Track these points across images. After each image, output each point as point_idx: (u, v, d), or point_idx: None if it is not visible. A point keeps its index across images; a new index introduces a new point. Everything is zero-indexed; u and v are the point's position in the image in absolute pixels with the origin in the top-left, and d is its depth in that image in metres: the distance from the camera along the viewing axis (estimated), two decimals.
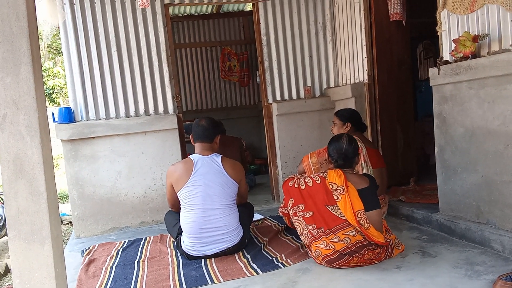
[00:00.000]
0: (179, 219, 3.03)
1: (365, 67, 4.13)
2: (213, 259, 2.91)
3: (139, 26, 4.07)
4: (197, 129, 3.07)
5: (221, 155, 3.05)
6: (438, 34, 3.13)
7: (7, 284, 3.87)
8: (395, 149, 4.27)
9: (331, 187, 2.63)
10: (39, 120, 1.68)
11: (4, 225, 4.96)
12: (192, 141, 3.13)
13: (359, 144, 3.13)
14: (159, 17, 4.10)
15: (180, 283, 2.57)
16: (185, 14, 6.84)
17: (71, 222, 5.16)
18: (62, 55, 4.12)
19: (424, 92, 6.08)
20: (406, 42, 4.33)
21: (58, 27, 4.02)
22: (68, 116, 3.89)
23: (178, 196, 2.97)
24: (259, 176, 6.02)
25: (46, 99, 13.48)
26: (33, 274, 1.71)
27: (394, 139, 4.27)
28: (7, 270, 4.27)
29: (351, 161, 2.75)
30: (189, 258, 2.96)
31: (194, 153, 3.06)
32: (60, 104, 13.36)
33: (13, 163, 1.68)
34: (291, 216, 2.81)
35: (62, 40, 3.98)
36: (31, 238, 1.70)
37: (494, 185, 2.72)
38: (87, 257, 3.22)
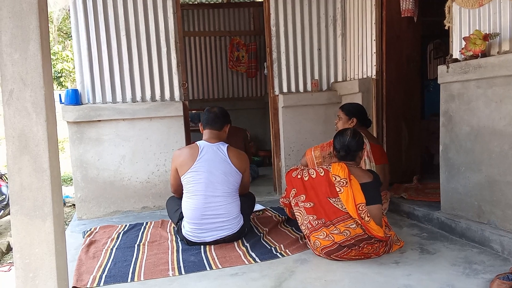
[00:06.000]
0: (180, 205, 3.05)
1: (374, 63, 4.11)
2: (212, 246, 2.92)
3: (149, 11, 4.07)
4: (208, 116, 3.09)
5: (227, 144, 3.06)
6: (446, 27, 3.10)
7: (8, 261, 3.92)
8: (399, 146, 4.25)
9: (334, 179, 2.63)
10: (45, 97, 1.69)
11: (8, 204, 5.00)
12: (201, 129, 3.14)
13: (364, 140, 3.12)
14: (169, 3, 4.10)
15: (179, 268, 2.59)
16: (196, 2, 6.83)
17: (74, 205, 5.20)
18: (72, 39, 4.13)
19: (432, 91, 6.06)
20: (416, 39, 4.30)
21: (69, 10, 4.03)
22: (75, 98, 3.91)
23: (181, 180, 2.99)
24: (262, 168, 6.03)
25: (54, 82, 13.54)
26: (34, 249, 1.73)
27: (399, 136, 4.25)
28: (9, 248, 4.32)
29: (353, 154, 2.76)
30: (188, 244, 2.98)
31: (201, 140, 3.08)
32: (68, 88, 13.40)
33: (18, 139, 1.69)
34: (292, 206, 2.82)
35: (71, 22, 3.98)
36: (33, 214, 1.72)
37: (497, 185, 2.71)
38: (88, 238, 3.25)
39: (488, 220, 2.78)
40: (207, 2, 6.84)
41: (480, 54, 2.75)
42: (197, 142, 3.05)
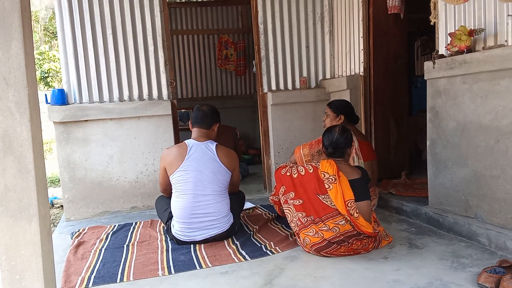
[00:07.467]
0: (170, 204, 3.03)
1: (361, 60, 4.12)
2: (202, 245, 2.91)
3: (135, 10, 4.03)
4: (197, 114, 3.07)
5: (216, 143, 3.05)
6: (432, 23, 3.13)
7: None
8: (387, 142, 4.29)
9: (323, 176, 2.64)
10: (29, 97, 1.66)
11: None
12: (190, 127, 3.12)
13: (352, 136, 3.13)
14: (156, 1, 4.06)
15: (169, 267, 2.58)
16: (183, 0, 6.79)
17: (62, 206, 5.14)
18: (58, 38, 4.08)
19: (420, 87, 6.09)
20: (403, 36, 4.33)
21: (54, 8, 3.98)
22: (61, 98, 3.86)
23: (170, 180, 2.97)
24: (252, 166, 6.03)
25: (41, 82, 13.38)
26: (20, 251, 1.70)
27: (387, 132, 4.28)
28: None
29: (342, 151, 2.77)
30: (178, 243, 2.96)
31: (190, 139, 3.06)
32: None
33: (1, 139, 1.66)
34: (282, 204, 2.82)
35: (57, 21, 3.93)
36: (18, 215, 1.69)
37: (483, 179, 2.74)
38: (77, 239, 3.22)
39: (475, 214, 2.82)
40: (194, 0, 6.81)
41: (465, 49, 2.77)
42: (186, 141, 3.03)
